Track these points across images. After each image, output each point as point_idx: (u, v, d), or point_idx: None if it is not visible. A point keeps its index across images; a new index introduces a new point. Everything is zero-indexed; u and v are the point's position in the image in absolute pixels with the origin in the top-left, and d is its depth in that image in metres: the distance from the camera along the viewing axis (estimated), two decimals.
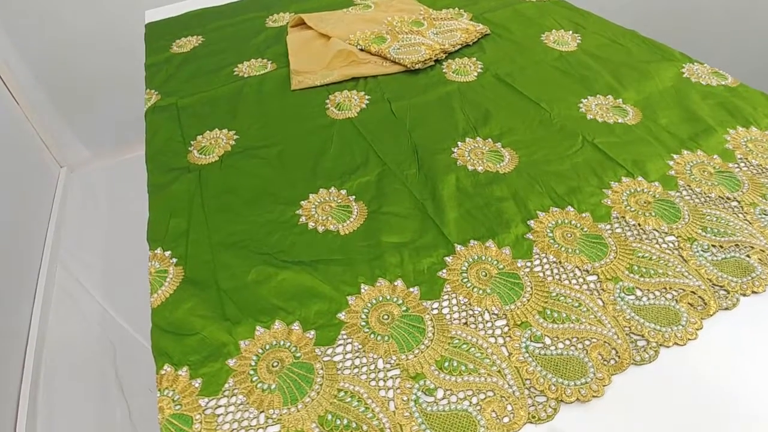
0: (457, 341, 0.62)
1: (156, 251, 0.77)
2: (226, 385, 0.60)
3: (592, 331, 0.62)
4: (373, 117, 1.01)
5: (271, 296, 0.69)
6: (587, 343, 0.61)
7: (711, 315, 0.63)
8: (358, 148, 0.93)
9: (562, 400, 0.56)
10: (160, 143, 0.99)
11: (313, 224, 0.79)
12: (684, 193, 0.79)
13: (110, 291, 1.59)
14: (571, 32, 1.24)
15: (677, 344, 0.60)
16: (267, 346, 0.63)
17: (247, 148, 0.95)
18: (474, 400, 0.56)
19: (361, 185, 0.85)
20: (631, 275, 0.68)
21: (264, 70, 1.19)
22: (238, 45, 1.30)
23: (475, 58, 1.16)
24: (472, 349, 0.61)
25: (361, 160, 0.90)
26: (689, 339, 0.61)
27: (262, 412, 0.57)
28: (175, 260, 0.75)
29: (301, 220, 0.80)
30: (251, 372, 0.61)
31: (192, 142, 0.98)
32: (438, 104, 1.03)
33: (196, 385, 0.60)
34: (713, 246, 0.70)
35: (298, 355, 0.62)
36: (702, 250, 0.70)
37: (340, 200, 0.83)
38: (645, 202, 0.78)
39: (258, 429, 0.56)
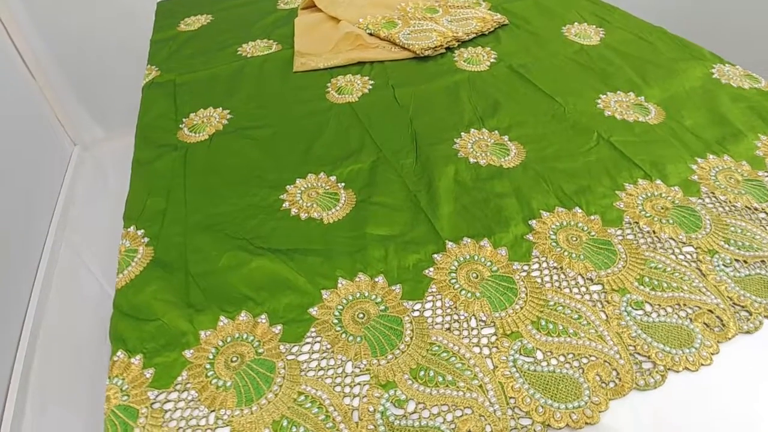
0: (436, 348, 0.54)
1: (129, 229, 0.71)
2: (179, 378, 0.53)
3: (592, 347, 0.54)
4: (375, 103, 0.94)
5: (241, 284, 0.62)
6: (584, 361, 0.53)
7: (729, 338, 0.54)
8: (354, 134, 0.86)
9: (549, 425, 0.48)
10: (152, 119, 0.93)
11: (296, 210, 0.72)
12: (707, 200, 0.70)
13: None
14: (594, 26, 1.14)
15: (688, 369, 0.52)
16: (228, 339, 0.57)
17: (239, 128, 0.89)
18: (449, 417, 0.49)
19: (352, 172, 0.78)
20: (641, 287, 0.59)
21: (268, 50, 1.13)
22: (247, 25, 1.24)
23: (489, 48, 1.08)
24: (453, 358, 0.53)
25: (355, 146, 0.83)
26: (702, 364, 0.52)
27: (213, 411, 0.51)
28: (146, 240, 0.69)
29: (284, 205, 0.73)
30: (207, 366, 0.54)
31: (184, 120, 0.92)
32: (445, 93, 0.95)
33: (148, 375, 0.54)
34: (736, 260, 0.61)
35: (260, 350, 0.55)
36: (723, 265, 0.61)
37: (328, 187, 0.76)
38: (662, 208, 0.69)
39: (206, 430, 0.49)
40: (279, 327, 0.57)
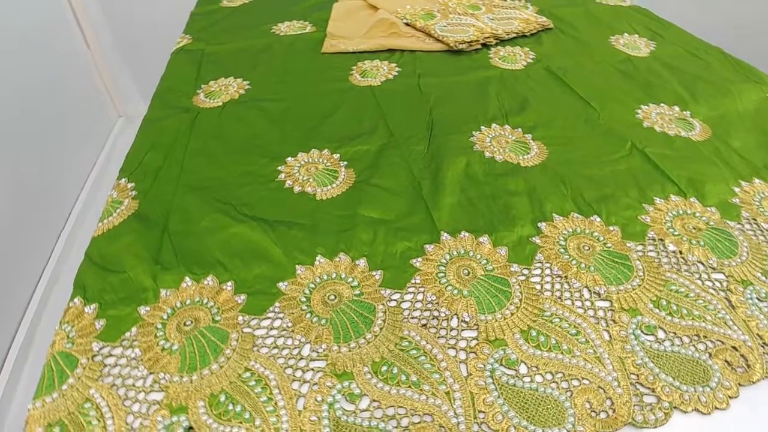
0: (407, 344, 0.47)
1: (120, 181, 0.67)
2: (128, 334, 0.49)
3: (586, 369, 0.45)
4: (397, 88, 0.87)
5: (216, 248, 0.57)
6: (575, 383, 0.44)
7: (753, 382, 0.45)
8: (368, 116, 0.80)
9: None
10: (172, 83, 0.91)
11: (291, 183, 0.66)
12: (747, 226, 0.60)
13: None
14: (646, 39, 1.04)
15: (699, 411, 0.42)
16: (188, 301, 0.51)
17: (254, 99, 0.85)
18: (404, 421, 0.42)
19: (358, 153, 0.72)
20: (656, 311, 0.50)
21: (302, 31, 1.09)
22: (287, 6, 1.21)
23: (528, 48, 1.00)
24: (423, 357, 0.46)
25: (367, 128, 0.77)
26: (717, 407, 0.43)
27: (153, 374, 0.45)
28: (134, 193, 0.65)
29: (280, 177, 0.68)
30: (159, 326, 0.49)
31: (203, 86, 0.89)
32: (472, 87, 0.88)
33: (98, 326, 0.49)
34: None
35: (217, 318, 0.50)
36: (758, 298, 0.51)
37: (329, 164, 0.70)
38: (694, 228, 0.59)
39: (140, 392, 0.44)
40: (243, 297, 0.52)
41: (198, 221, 0.61)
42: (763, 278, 0.53)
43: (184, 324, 0.49)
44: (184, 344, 0.47)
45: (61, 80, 1.55)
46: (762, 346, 0.47)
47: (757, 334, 0.48)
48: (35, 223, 1.29)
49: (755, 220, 0.60)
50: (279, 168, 0.69)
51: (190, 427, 0.41)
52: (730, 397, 0.44)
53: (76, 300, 0.52)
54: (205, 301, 0.51)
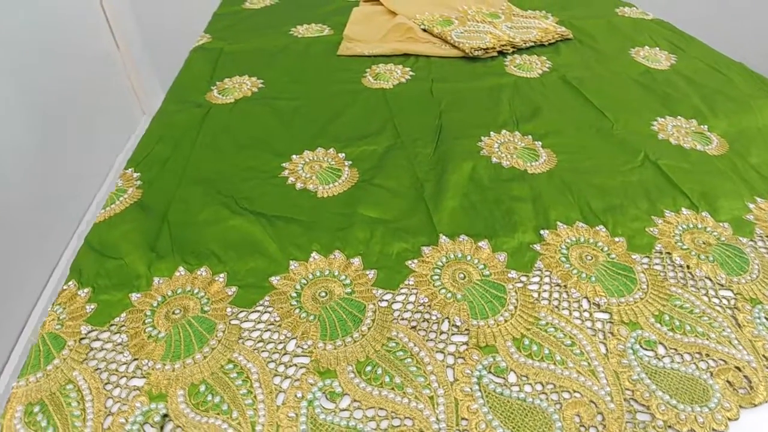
0: (393, 345, 0.46)
1: (127, 171, 0.68)
2: (117, 319, 0.48)
3: (579, 382, 0.43)
4: (408, 92, 0.87)
5: (212, 240, 0.57)
6: (566, 396, 0.42)
7: (755, 404, 0.42)
8: (377, 118, 0.79)
9: None
10: (188, 79, 0.92)
11: (293, 180, 0.66)
12: (760, 243, 0.57)
13: None
14: (666, 52, 1.01)
15: None
16: (179, 290, 0.51)
17: (266, 97, 0.85)
18: (384, 424, 0.40)
19: (364, 153, 0.71)
20: (658, 325, 0.48)
21: (319, 33, 1.09)
22: (308, 10, 1.22)
23: (545, 57, 0.98)
24: (409, 360, 0.45)
25: (375, 129, 0.76)
26: (714, 429, 0.40)
27: (137, 360, 0.45)
28: (139, 183, 0.66)
29: (283, 173, 0.67)
30: (148, 312, 0.49)
31: (217, 83, 0.90)
32: (485, 93, 0.86)
33: (89, 310, 0.49)
34: None
35: (206, 309, 0.49)
36: (766, 318, 0.49)
37: (334, 162, 0.69)
38: (704, 243, 0.57)
39: (122, 377, 0.44)
40: (234, 289, 0.51)
41: (197, 213, 0.60)
42: None
43: (173, 312, 0.49)
44: (171, 332, 0.47)
45: (91, 79, 1.60)
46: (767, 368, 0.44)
47: (763, 356, 0.45)
48: (56, 214, 1.32)
49: None
50: (283, 164, 0.69)
51: (166, 415, 0.41)
52: (729, 419, 0.41)
53: (70, 283, 0.52)
54: (196, 291, 0.51)
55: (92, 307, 0.50)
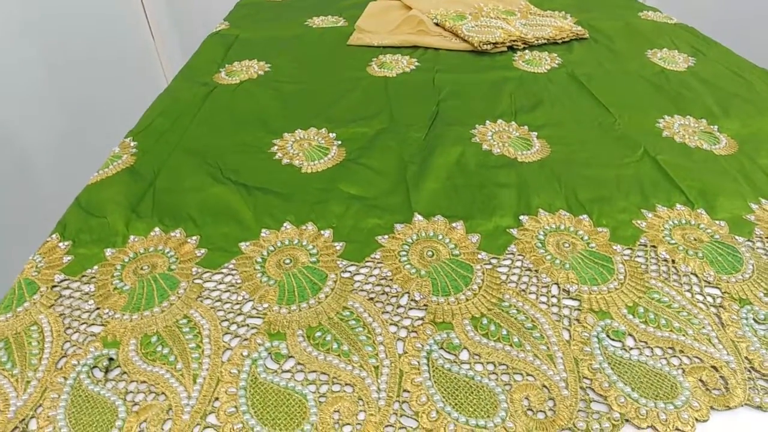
0: (348, 314, 0.44)
1: (126, 140, 0.69)
2: (89, 271, 0.49)
3: (533, 365, 0.40)
4: (410, 81, 0.85)
5: (191, 205, 0.57)
6: (518, 378, 0.40)
7: (729, 407, 0.38)
8: (374, 104, 0.78)
9: None
10: (199, 62, 0.93)
11: (281, 155, 0.66)
12: (758, 244, 0.52)
13: None
14: (685, 54, 0.96)
15: (655, 429, 0.37)
16: (151, 249, 0.51)
17: (271, 80, 0.86)
18: (323, 388, 0.39)
19: (354, 134, 0.70)
20: (630, 317, 0.45)
21: (334, 24, 1.10)
22: (327, 4, 1.23)
23: (556, 54, 0.95)
24: (360, 328, 0.43)
25: (370, 113, 0.75)
26: (679, 428, 0.37)
27: (98, 309, 0.45)
28: (134, 150, 0.67)
29: (273, 149, 0.67)
30: (118, 266, 0.49)
31: (226, 65, 0.91)
32: (488, 85, 0.84)
33: (65, 261, 0.50)
34: None
35: (173, 267, 0.49)
36: (754, 320, 0.44)
37: (323, 141, 0.69)
38: (695, 239, 0.53)
39: (82, 324, 0.44)
40: (203, 251, 0.51)
41: (183, 181, 0.61)
42: (767, 299, 0.46)
43: (141, 268, 0.49)
44: (136, 286, 0.47)
45: (128, 68, 1.66)
46: (748, 371, 0.40)
47: (746, 357, 0.41)
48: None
49: None
50: (274, 141, 0.68)
51: (112, 359, 0.40)
52: (697, 419, 0.37)
53: (53, 236, 0.53)
54: (167, 251, 0.51)
55: (69, 258, 0.50)
